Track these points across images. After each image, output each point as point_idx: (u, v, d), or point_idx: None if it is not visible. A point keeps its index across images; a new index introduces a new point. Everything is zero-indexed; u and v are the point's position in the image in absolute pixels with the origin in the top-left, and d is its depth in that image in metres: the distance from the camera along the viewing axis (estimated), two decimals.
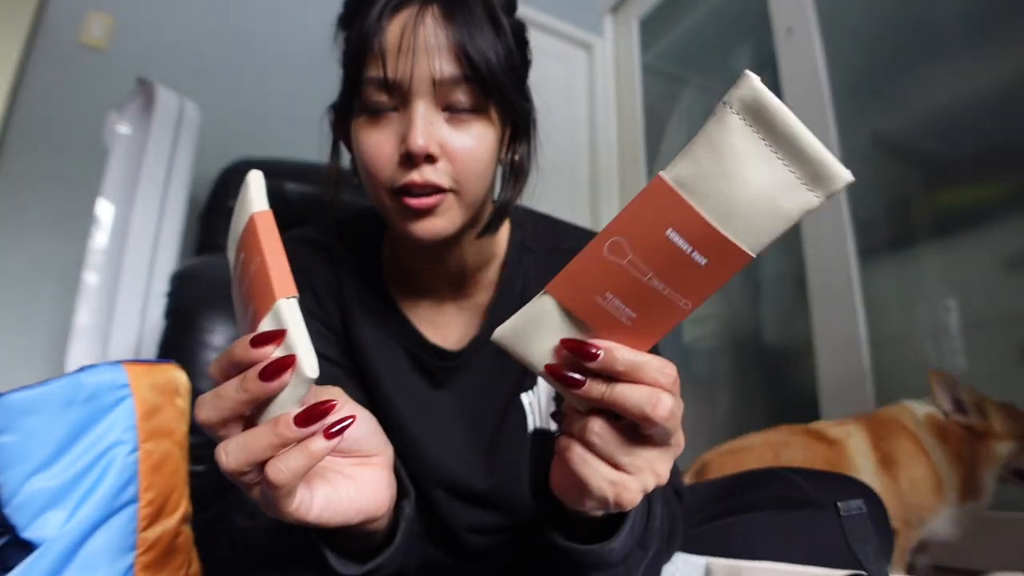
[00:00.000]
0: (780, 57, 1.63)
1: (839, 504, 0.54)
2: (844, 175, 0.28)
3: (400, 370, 0.57)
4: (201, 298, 0.85)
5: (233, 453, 0.29)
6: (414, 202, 0.47)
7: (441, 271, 0.57)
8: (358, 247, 0.60)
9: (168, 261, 1.12)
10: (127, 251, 1.08)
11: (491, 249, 0.59)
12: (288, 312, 0.30)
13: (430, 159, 0.47)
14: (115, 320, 1.04)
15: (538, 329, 0.32)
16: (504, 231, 0.60)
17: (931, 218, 1.32)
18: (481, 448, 0.56)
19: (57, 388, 0.58)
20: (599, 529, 0.40)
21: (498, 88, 0.48)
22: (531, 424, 0.57)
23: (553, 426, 0.57)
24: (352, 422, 0.32)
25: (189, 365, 0.78)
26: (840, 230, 1.40)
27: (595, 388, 0.31)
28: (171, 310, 0.86)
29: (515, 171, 0.53)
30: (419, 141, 0.45)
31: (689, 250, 0.28)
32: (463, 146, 0.48)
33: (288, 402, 0.30)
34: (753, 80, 0.27)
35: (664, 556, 0.45)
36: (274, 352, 0.30)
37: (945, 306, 1.23)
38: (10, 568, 0.52)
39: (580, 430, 0.32)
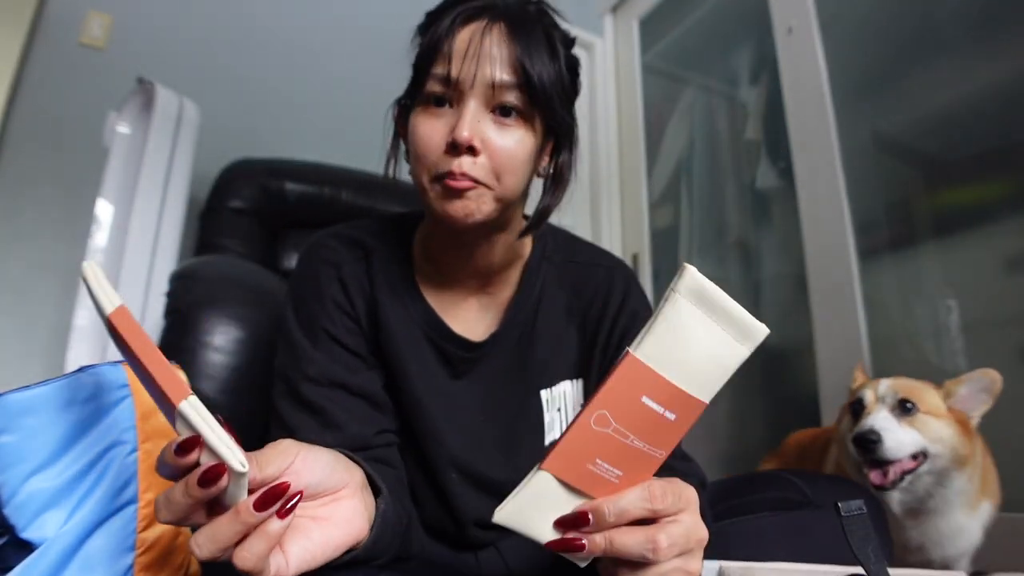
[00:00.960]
0: (780, 57, 1.63)
1: (840, 504, 0.54)
2: (762, 329, 0.36)
3: (423, 358, 0.61)
4: (201, 298, 0.85)
5: (204, 545, 0.32)
6: (452, 183, 0.52)
7: (469, 266, 0.62)
8: (392, 244, 0.64)
9: (168, 261, 1.12)
10: (127, 251, 1.08)
11: (517, 251, 0.64)
12: (193, 414, 0.32)
13: (472, 151, 0.52)
14: None
15: (538, 505, 0.36)
16: (528, 238, 0.66)
17: (931, 218, 1.32)
18: (499, 437, 0.60)
19: (57, 388, 0.58)
20: None
21: (546, 100, 0.54)
22: (547, 419, 0.61)
23: None
24: (299, 498, 0.33)
25: (189, 365, 0.78)
26: (840, 230, 1.40)
27: (597, 545, 0.34)
28: (171, 310, 0.86)
29: (556, 179, 0.59)
30: (464, 133, 0.51)
31: (662, 411, 0.34)
32: (503, 145, 0.53)
33: (235, 494, 0.32)
34: (693, 272, 0.34)
35: None
36: (198, 456, 0.32)
37: (945, 306, 1.23)
38: (9, 568, 0.52)
39: (605, 569, 0.37)
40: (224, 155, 1.25)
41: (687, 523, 0.35)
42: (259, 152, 1.30)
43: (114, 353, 1.03)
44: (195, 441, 0.31)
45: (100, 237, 1.12)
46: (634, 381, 0.34)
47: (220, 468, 0.30)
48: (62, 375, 0.60)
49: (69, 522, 0.55)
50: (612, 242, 2.14)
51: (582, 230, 2.13)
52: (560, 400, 0.62)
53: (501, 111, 0.54)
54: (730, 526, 0.56)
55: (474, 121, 0.52)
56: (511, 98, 0.53)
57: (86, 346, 1.06)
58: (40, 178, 1.32)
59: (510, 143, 0.53)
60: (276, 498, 0.32)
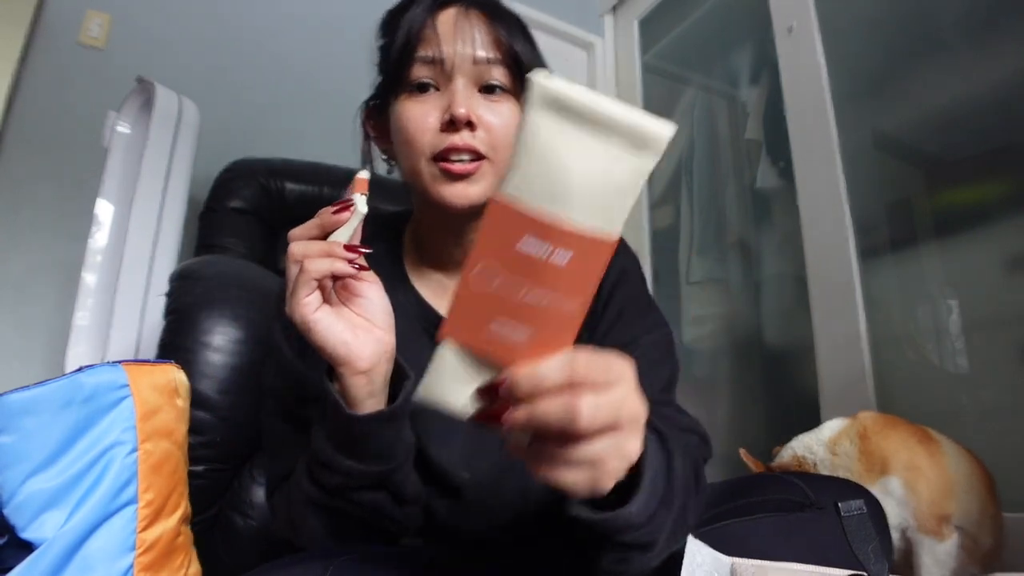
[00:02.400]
0: (780, 56, 1.63)
1: (840, 504, 0.54)
2: (662, 130, 0.28)
3: (421, 352, 0.60)
4: (200, 298, 0.85)
5: (300, 247, 0.42)
6: (455, 167, 0.53)
7: (461, 252, 0.62)
8: (381, 242, 0.64)
9: (167, 261, 1.12)
10: (126, 251, 1.08)
11: None
12: (358, 189, 0.44)
13: (470, 126, 0.53)
14: (114, 320, 1.03)
15: (452, 377, 0.33)
16: None
17: (931, 218, 1.32)
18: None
19: (56, 388, 0.58)
20: (618, 496, 0.39)
21: (529, 69, 0.54)
22: None
23: None
24: (362, 269, 0.43)
25: (189, 365, 0.78)
26: (840, 230, 1.40)
27: (518, 417, 0.30)
28: (170, 310, 0.86)
29: None
30: (461, 109, 0.52)
31: (547, 253, 0.29)
32: (497, 120, 0.54)
33: (346, 232, 0.43)
34: (540, 77, 0.29)
35: (691, 510, 0.45)
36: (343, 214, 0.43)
37: (946, 306, 1.23)
38: (9, 568, 0.52)
39: (537, 453, 0.32)
40: (224, 155, 1.25)
41: (616, 393, 0.31)
42: (259, 152, 1.30)
43: (113, 353, 1.03)
44: (349, 203, 0.43)
45: (100, 237, 1.12)
46: (505, 226, 0.29)
47: (349, 202, 0.43)
48: (62, 375, 0.59)
49: (69, 522, 0.55)
50: None
51: None
52: None
53: (487, 89, 0.55)
54: (731, 527, 0.55)
55: (467, 97, 0.53)
56: (497, 75, 0.55)
57: (86, 346, 1.06)
58: (39, 178, 1.32)
59: (503, 117, 0.55)
60: (354, 252, 0.42)
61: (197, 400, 0.77)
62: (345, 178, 1.21)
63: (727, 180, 1.91)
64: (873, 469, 0.91)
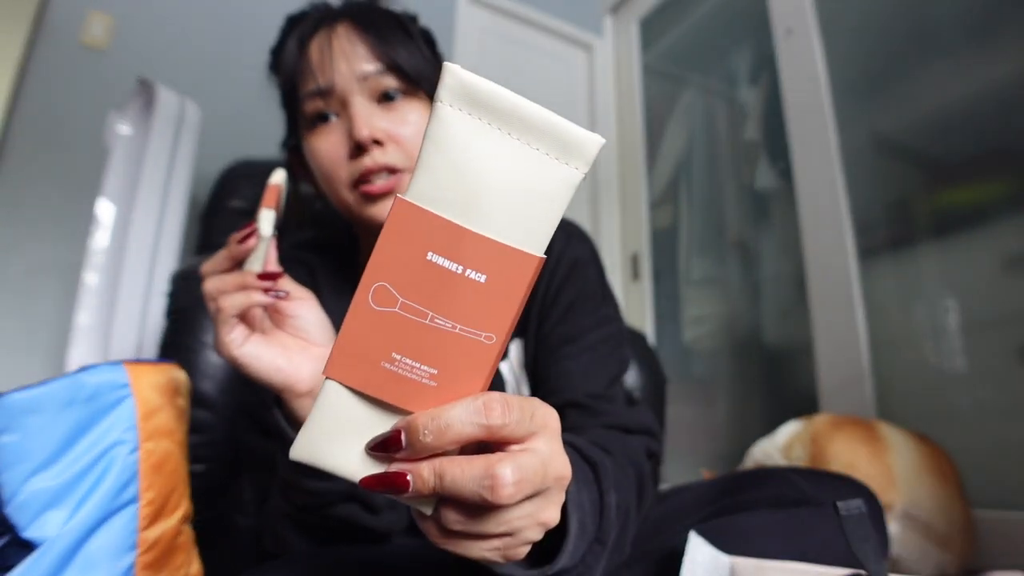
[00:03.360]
0: (780, 57, 1.63)
1: (839, 504, 0.54)
2: (592, 140, 0.25)
3: None
4: (202, 298, 0.85)
5: (213, 283, 0.41)
6: (372, 188, 0.52)
7: None
8: (335, 253, 0.64)
9: (169, 261, 1.12)
10: (128, 251, 1.08)
11: None
12: (264, 216, 0.43)
13: (377, 144, 0.51)
14: (116, 320, 1.04)
15: (337, 430, 0.26)
16: None
17: (931, 218, 1.32)
18: None
19: (57, 388, 0.58)
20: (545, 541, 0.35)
21: (419, 75, 0.54)
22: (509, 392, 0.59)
23: (524, 391, 0.59)
24: (285, 295, 0.42)
25: (190, 365, 0.78)
26: (840, 230, 1.40)
27: (424, 482, 0.25)
28: (172, 310, 0.86)
29: None
30: (363, 131, 0.50)
31: (460, 269, 0.25)
32: (404, 128, 0.53)
33: (256, 260, 0.42)
34: (455, 68, 0.24)
35: (631, 528, 0.45)
36: (248, 236, 0.42)
37: (945, 306, 1.23)
38: (10, 568, 0.52)
39: (439, 522, 0.27)
40: (225, 155, 1.25)
41: (542, 453, 0.26)
42: (260, 152, 1.30)
43: (115, 353, 1.03)
44: (252, 231, 0.42)
45: (101, 237, 1.12)
46: (411, 234, 0.24)
47: (252, 228, 0.42)
48: (63, 375, 0.60)
49: (70, 522, 0.55)
50: (612, 242, 2.14)
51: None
52: (510, 363, 0.60)
53: (385, 98, 0.54)
54: (727, 523, 0.55)
55: (367, 116, 0.52)
56: (388, 82, 0.53)
57: (87, 346, 1.06)
58: (41, 178, 1.32)
59: (411, 123, 0.53)
60: (271, 279, 0.41)
61: (198, 399, 0.77)
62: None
63: (726, 180, 1.91)
64: None
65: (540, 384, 0.58)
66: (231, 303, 0.40)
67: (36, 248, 1.29)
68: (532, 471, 0.25)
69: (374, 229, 0.54)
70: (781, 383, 1.64)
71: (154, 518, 0.61)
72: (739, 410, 1.74)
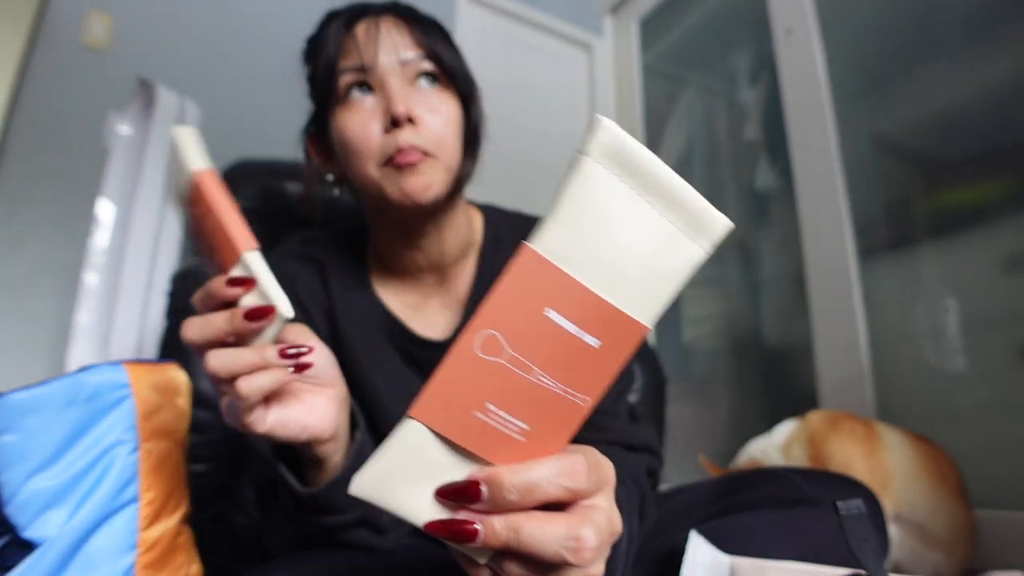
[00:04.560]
0: (780, 58, 1.63)
1: (838, 504, 0.54)
2: (723, 221, 0.25)
3: (391, 366, 0.60)
4: None
5: (223, 361, 0.35)
6: (407, 157, 0.52)
7: (423, 260, 0.61)
8: (345, 253, 0.64)
9: (169, 261, 1.12)
10: (128, 251, 1.08)
11: (467, 238, 0.63)
12: (254, 263, 0.37)
13: (412, 122, 0.53)
14: (116, 320, 1.04)
15: (412, 470, 0.25)
16: (478, 224, 0.66)
17: (931, 218, 1.32)
18: None
19: (58, 388, 0.58)
20: None
21: (454, 67, 0.56)
22: None
23: None
24: (311, 367, 0.39)
25: (190, 365, 0.78)
26: (840, 230, 1.40)
27: (496, 535, 0.24)
28: (172, 310, 0.86)
29: (472, 140, 0.59)
30: (400, 107, 0.51)
31: (577, 331, 0.24)
32: (434, 112, 0.54)
33: (267, 337, 0.37)
34: (610, 124, 0.24)
35: (632, 554, 0.46)
36: (244, 294, 0.36)
37: (945, 306, 1.23)
38: (10, 568, 0.52)
39: (495, 573, 0.26)
40: (225, 155, 1.25)
41: (606, 510, 0.26)
42: (260, 152, 1.30)
43: (115, 353, 1.03)
44: (248, 281, 0.36)
45: (101, 237, 1.12)
46: (535, 287, 0.24)
47: (270, 309, 0.36)
48: (63, 375, 0.60)
49: (70, 521, 0.55)
50: None
51: None
52: None
53: (420, 83, 0.55)
54: (728, 523, 0.55)
55: (404, 95, 0.53)
56: (425, 66, 0.55)
57: (87, 346, 1.06)
58: (41, 178, 1.32)
59: (441, 109, 0.55)
60: (298, 355, 0.37)
61: (198, 399, 0.77)
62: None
63: (726, 180, 1.91)
64: None
65: None
66: (254, 388, 0.35)
67: (36, 248, 1.29)
68: (603, 530, 0.25)
69: (399, 204, 0.54)
70: (781, 383, 1.64)
71: (154, 518, 0.61)
72: (739, 410, 1.74)
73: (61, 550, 0.54)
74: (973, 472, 1.04)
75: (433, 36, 0.56)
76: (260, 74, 1.63)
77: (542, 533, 0.24)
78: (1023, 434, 1.06)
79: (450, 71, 0.56)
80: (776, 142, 1.65)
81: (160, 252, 1.12)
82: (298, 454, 0.45)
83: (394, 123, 0.52)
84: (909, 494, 0.93)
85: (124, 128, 1.18)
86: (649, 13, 2.24)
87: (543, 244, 0.24)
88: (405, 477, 0.25)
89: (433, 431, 0.25)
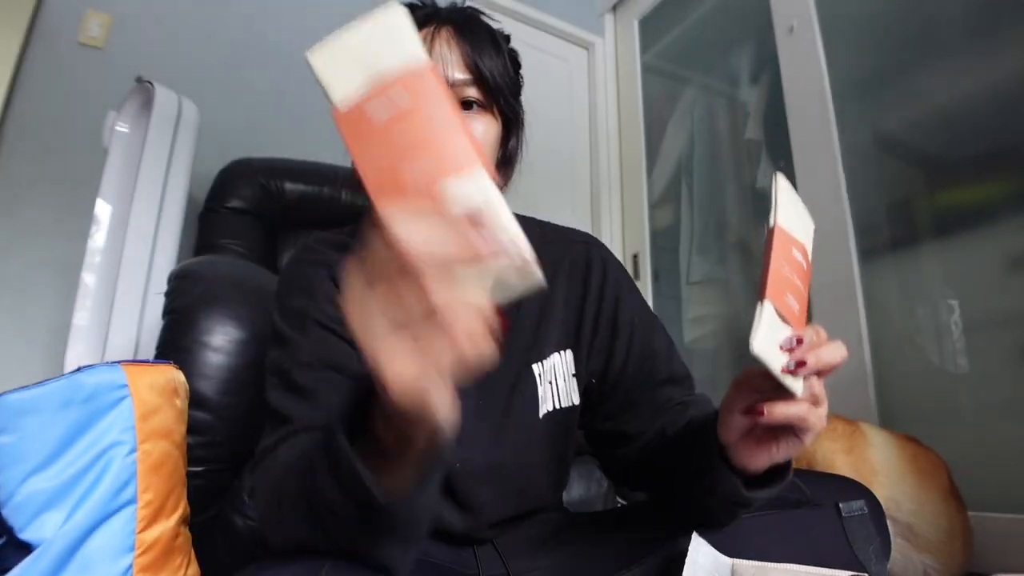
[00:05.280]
0: (781, 56, 1.63)
1: (841, 505, 0.54)
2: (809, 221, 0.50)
3: None
4: (199, 298, 0.85)
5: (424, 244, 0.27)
6: None
7: None
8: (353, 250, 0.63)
9: (166, 260, 1.12)
10: (125, 251, 1.08)
11: None
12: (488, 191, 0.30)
13: None
14: (113, 320, 1.03)
15: (768, 334, 0.42)
16: None
17: (931, 218, 1.32)
18: (493, 416, 0.61)
19: (55, 388, 0.58)
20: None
21: (499, 91, 0.58)
22: (540, 392, 0.62)
23: (575, 400, 0.64)
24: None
25: (187, 365, 0.78)
26: (840, 230, 1.40)
27: (809, 364, 0.42)
28: (169, 310, 0.86)
29: (507, 164, 0.63)
30: None
31: (801, 259, 0.47)
32: (475, 136, 0.52)
33: (474, 281, 0.28)
34: (782, 177, 0.46)
35: None
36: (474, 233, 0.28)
37: (946, 306, 1.23)
38: (8, 569, 0.52)
39: (808, 409, 0.43)
40: (223, 155, 1.25)
41: None
42: (258, 152, 1.29)
43: (112, 353, 1.03)
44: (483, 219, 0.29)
45: (99, 237, 1.12)
46: (785, 243, 0.45)
47: (526, 261, 0.29)
48: (61, 375, 0.59)
49: (68, 523, 0.55)
50: (612, 242, 2.13)
51: (582, 229, 2.13)
52: (551, 373, 0.64)
53: (463, 106, 0.57)
54: (731, 524, 0.55)
55: None
56: (470, 93, 0.57)
57: (85, 346, 1.06)
58: (39, 177, 1.32)
59: (478, 132, 0.57)
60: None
61: (196, 400, 0.77)
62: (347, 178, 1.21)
63: (727, 180, 1.91)
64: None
65: (620, 367, 0.65)
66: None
67: (34, 248, 1.29)
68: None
69: None
70: None
71: (152, 519, 0.61)
72: None
73: (58, 552, 0.53)
74: (975, 474, 1.04)
75: (486, 54, 0.58)
76: (259, 74, 1.63)
77: (828, 353, 0.44)
78: None
79: (494, 95, 0.58)
80: (777, 141, 1.65)
81: (158, 252, 1.11)
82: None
83: None
84: (894, 492, 0.92)
85: (122, 127, 1.17)
86: (649, 12, 2.24)
87: (781, 222, 0.45)
88: (769, 338, 0.43)
89: (775, 308, 0.43)
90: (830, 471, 0.92)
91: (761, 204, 1.76)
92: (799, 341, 0.42)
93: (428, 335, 0.27)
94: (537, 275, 0.28)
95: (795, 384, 0.42)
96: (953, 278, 1.24)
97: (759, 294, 0.43)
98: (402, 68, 0.33)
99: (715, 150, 1.97)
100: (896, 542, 0.90)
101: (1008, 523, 1.03)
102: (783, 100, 1.60)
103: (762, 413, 0.43)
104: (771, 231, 0.46)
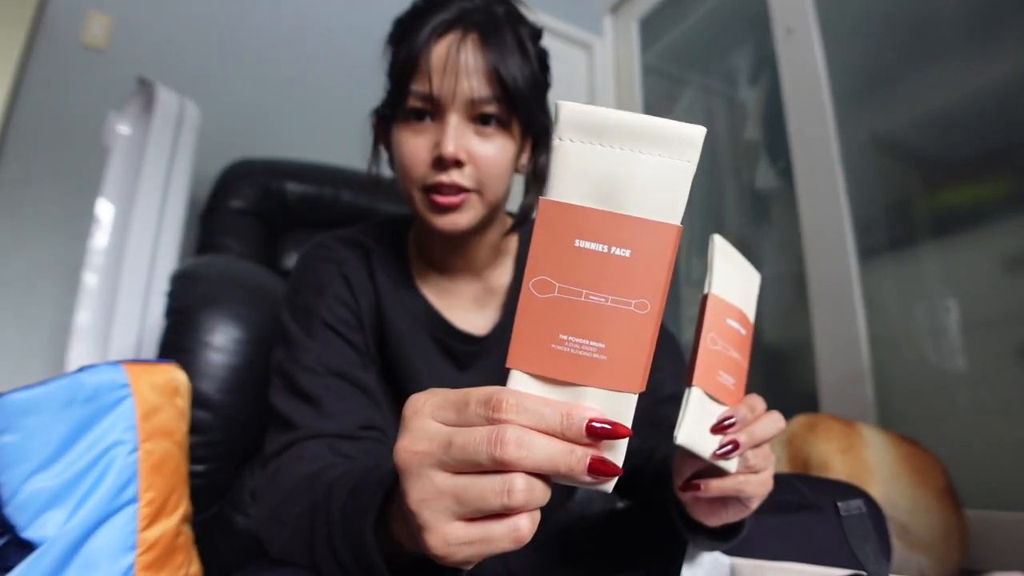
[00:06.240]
0: (780, 57, 1.63)
1: (839, 504, 0.54)
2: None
3: (428, 354, 0.63)
4: (201, 298, 0.85)
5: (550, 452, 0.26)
6: (441, 199, 0.56)
7: (463, 263, 0.65)
8: (388, 244, 0.66)
9: (168, 261, 1.12)
10: (127, 251, 1.08)
11: (503, 247, 0.68)
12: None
13: (458, 164, 0.55)
14: (115, 320, 1.04)
15: (699, 420, 0.40)
16: (514, 233, 0.70)
17: (931, 218, 1.32)
18: None
19: (57, 388, 0.58)
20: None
21: (523, 105, 0.57)
22: None
23: None
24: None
25: (189, 365, 0.78)
26: (840, 230, 1.40)
27: (745, 440, 0.41)
28: (171, 310, 0.86)
29: (536, 178, 0.63)
30: (449, 149, 0.54)
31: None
32: (486, 155, 0.56)
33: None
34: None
35: None
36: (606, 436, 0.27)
37: (945, 306, 1.23)
38: (10, 568, 0.52)
39: (745, 480, 0.42)
40: (225, 155, 1.25)
41: None
42: (260, 152, 1.30)
43: (114, 353, 1.03)
44: (622, 431, 0.27)
45: (100, 237, 1.12)
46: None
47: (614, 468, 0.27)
48: (63, 375, 0.60)
49: (70, 522, 0.55)
50: None
51: None
52: None
53: (481, 121, 0.56)
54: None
55: (458, 136, 0.55)
56: (490, 109, 0.56)
57: (86, 346, 1.06)
58: (41, 178, 1.32)
59: (492, 151, 0.56)
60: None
61: (198, 400, 0.77)
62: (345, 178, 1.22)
63: (727, 180, 1.91)
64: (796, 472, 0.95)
65: None
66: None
67: (35, 248, 1.29)
68: None
69: (431, 232, 0.59)
70: (781, 383, 1.64)
71: (154, 518, 0.61)
72: None
73: (61, 550, 0.54)
74: (973, 473, 1.04)
75: (509, 63, 0.56)
76: (260, 74, 1.63)
77: (762, 427, 0.42)
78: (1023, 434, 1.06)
79: (515, 106, 0.56)
80: (776, 142, 1.65)
81: (160, 252, 1.12)
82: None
83: (440, 161, 0.55)
84: (890, 492, 0.93)
85: (124, 128, 1.17)
86: (649, 13, 2.24)
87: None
88: (698, 425, 0.40)
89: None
90: (826, 471, 0.92)
91: (761, 204, 1.76)
92: (730, 423, 0.41)
93: (491, 524, 0.27)
94: (609, 490, 0.28)
95: (728, 464, 0.41)
96: (952, 278, 1.24)
97: (687, 379, 0.41)
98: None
99: (714, 150, 1.98)
100: (891, 541, 0.90)
101: (1005, 521, 1.04)
102: (782, 101, 1.60)
103: (699, 488, 0.42)
104: (704, 300, 0.44)
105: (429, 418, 0.28)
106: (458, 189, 0.56)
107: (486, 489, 0.26)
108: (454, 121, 0.55)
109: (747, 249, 1.78)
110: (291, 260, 1.18)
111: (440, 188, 0.55)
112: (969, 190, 1.25)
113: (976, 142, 1.24)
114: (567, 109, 0.27)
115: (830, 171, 1.44)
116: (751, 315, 0.47)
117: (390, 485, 0.36)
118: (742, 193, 1.83)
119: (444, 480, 0.27)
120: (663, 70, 2.22)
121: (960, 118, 1.26)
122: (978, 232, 1.21)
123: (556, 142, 0.28)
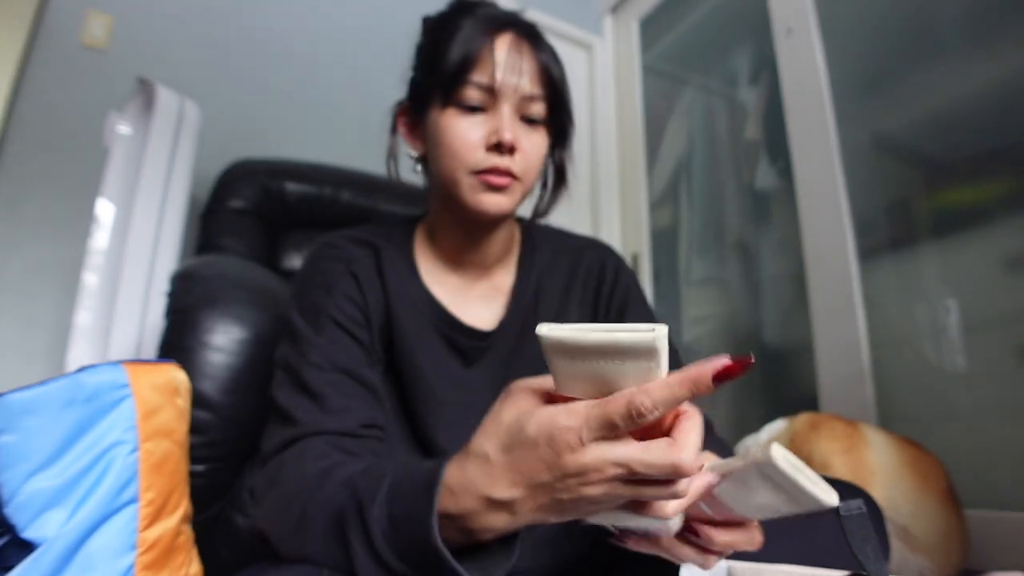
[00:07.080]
0: (780, 57, 1.63)
1: (839, 504, 0.54)
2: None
3: (437, 351, 0.64)
4: (201, 298, 0.85)
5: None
6: (495, 180, 0.59)
7: (474, 257, 0.67)
8: (396, 243, 0.68)
9: (168, 261, 1.12)
10: (127, 251, 1.08)
11: (510, 242, 0.71)
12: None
13: (511, 151, 0.59)
14: (115, 320, 1.04)
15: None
16: (516, 230, 0.73)
17: (931, 218, 1.32)
18: None
19: (57, 388, 0.58)
20: None
21: (562, 105, 0.63)
22: None
23: None
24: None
25: (189, 365, 0.78)
26: (840, 230, 1.40)
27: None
28: (171, 310, 0.86)
29: (559, 177, 0.69)
30: (509, 136, 0.58)
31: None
32: (532, 146, 0.61)
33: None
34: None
35: None
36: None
37: (945, 306, 1.23)
38: (10, 568, 0.52)
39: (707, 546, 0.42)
40: (225, 155, 1.25)
41: None
42: (260, 152, 1.30)
43: (114, 353, 1.03)
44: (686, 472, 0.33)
45: (101, 237, 1.12)
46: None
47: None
48: (63, 375, 0.60)
49: (70, 521, 0.55)
50: (612, 242, 2.14)
51: (582, 230, 2.13)
52: None
53: (527, 120, 0.61)
54: None
55: (513, 126, 0.59)
56: (535, 109, 0.61)
57: (86, 346, 1.06)
58: (41, 178, 1.32)
59: (536, 144, 0.61)
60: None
61: (198, 400, 0.77)
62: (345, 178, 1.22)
63: (727, 180, 1.91)
64: None
65: None
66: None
67: (35, 248, 1.29)
68: None
69: (470, 210, 0.60)
70: (781, 383, 1.64)
71: (154, 518, 0.61)
72: (739, 410, 1.74)
73: (61, 550, 0.54)
74: (973, 472, 1.04)
75: (556, 67, 0.62)
76: (260, 74, 1.63)
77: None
78: (1023, 434, 1.06)
79: (557, 111, 0.62)
80: (776, 142, 1.65)
81: (160, 252, 1.12)
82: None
83: (498, 146, 0.58)
84: (891, 493, 0.93)
85: (124, 128, 1.17)
86: (649, 13, 2.24)
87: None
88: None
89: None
90: (827, 470, 0.92)
91: (761, 204, 1.76)
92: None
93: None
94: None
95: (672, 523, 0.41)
96: (952, 278, 1.24)
97: None
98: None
99: (714, 150, 1.98)
100: (892, 543, 0.90)
101: (1005, 521, 1.04)
102: (782, 101, 1.60)
103: (625, 542, 0.43)
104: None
105: (592, 443, 0.33)
106: (508, 174, 0.59)
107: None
108: (508, 112, 0.59)
109: (747, 249, 1.78)
110: (291, 260, 1.18)
111: (495, 171, 0.59)
112: (969, 190, 1.25)
113: (976, 142, 1.24)
114: (545, 339, 0.32)
115: (830, 171, 1.44)
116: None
117: (438, 483, 0.39)
118: (742, 193, 1.84)
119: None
120: (663, 70, 2.23)
121: (960, 118, 1.27)
122: (978, 232, 1.21)
123: (548, 360, 0.33)
